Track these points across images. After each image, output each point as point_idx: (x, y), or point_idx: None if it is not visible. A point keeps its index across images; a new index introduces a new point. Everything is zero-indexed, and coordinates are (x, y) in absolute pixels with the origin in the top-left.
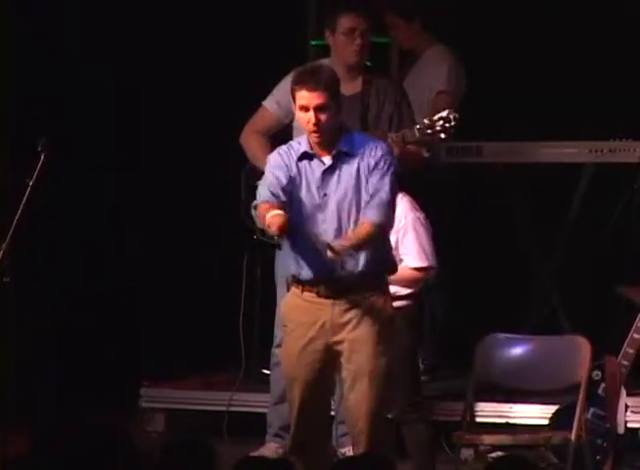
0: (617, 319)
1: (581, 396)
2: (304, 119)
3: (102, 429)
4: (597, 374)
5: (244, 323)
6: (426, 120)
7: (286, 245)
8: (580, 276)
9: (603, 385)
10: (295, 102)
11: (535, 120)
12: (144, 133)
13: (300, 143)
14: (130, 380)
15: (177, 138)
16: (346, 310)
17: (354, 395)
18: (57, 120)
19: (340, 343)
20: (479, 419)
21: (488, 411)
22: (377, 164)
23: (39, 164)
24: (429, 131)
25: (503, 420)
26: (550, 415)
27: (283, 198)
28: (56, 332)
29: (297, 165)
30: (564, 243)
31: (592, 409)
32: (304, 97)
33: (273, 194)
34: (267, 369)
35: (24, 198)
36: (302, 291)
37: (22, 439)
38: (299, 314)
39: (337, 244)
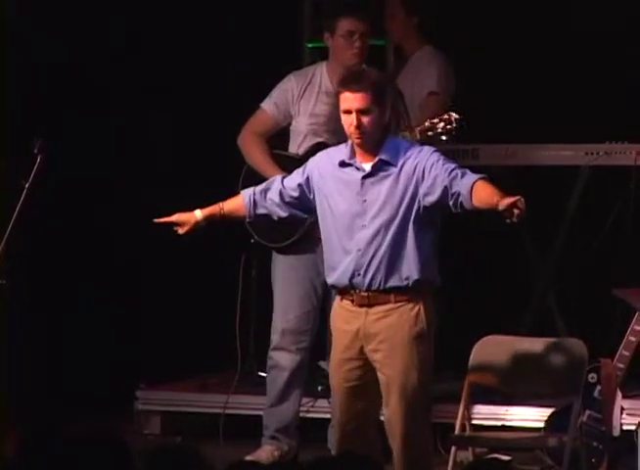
0: (613, 322)
1: (577, 398)
2: (347, 122)
3: (95, 432)
4: (593, 377)
5: (240, 326)
6: (427, 123)
7: (322, 253)
8: (576, 278)
9: (599, 387)
10: (339, 105)
11: (531, 123)
12: (142, 134)
13: (341, 150)
14: (126, 382)
15: (175, 140)
16: (378, 320)
17: (388, 411)
18: (53, 122)
19: (373, 352)
20: (475, 421)
21: (485, 414)
22: (430, 166)
23: (35, 166)
24: (430, 133)
25: (499, 422)
26: (546, 418)
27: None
28: (53, 334)
29: (334, 173)
30: (560, 245)
31: (588, 412)
32: (347, 99)
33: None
34: (263, 372)
35: (21, 200)
36: (342, 299)
37: (17, 441)
38: (340, 322)
39: (505, 202)
